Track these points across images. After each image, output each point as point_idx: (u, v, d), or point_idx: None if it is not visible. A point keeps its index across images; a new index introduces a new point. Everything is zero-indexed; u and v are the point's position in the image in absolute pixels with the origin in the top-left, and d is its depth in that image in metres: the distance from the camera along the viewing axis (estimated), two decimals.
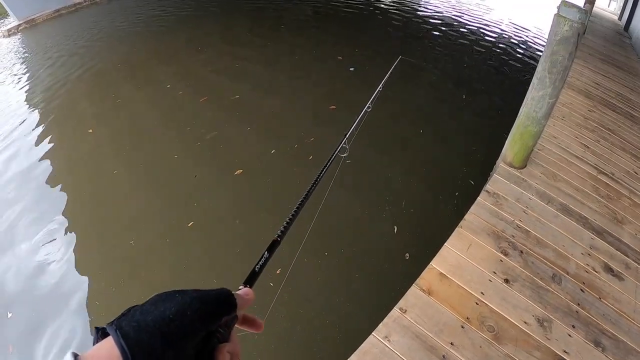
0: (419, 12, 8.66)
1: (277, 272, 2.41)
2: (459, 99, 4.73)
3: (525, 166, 2.42)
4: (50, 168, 3.83)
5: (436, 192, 3.18)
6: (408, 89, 4.93)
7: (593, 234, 2.27)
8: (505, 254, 1.94)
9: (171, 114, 4.57)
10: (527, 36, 7.58)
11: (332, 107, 4.33)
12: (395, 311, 1.62)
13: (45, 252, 2.83)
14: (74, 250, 2.83)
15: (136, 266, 2.66)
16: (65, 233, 3.00)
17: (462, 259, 1.84)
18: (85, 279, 2.60)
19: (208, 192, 3.26)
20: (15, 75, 6.82)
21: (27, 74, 6.71)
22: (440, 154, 3.66)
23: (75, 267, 2.69)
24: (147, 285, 2.52)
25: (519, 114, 2.39)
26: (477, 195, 2.20)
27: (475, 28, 7.66)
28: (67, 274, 2.64)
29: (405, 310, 1.61)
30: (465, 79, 5.28)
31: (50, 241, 2.93)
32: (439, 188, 3.22)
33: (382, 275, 2.50)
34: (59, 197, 3.39)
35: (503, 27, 8.04)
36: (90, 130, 4.41)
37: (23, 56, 7.90)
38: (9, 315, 2.40)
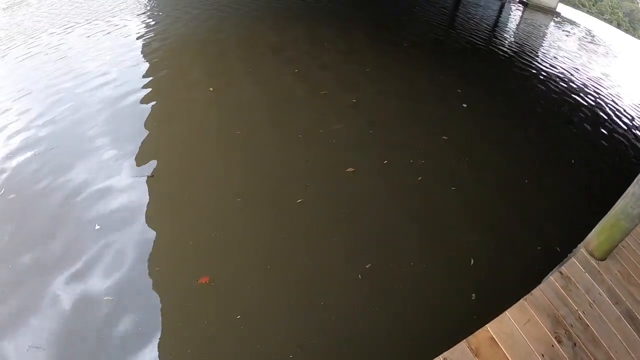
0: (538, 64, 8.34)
1: (368, 266, 2.65)
2: (569, 162, 4.70)
3: (605, 259, 2.32)
4: (160, 116, 4.05)
5: (518, 243, 3.19)
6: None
7: None
8: (559, 341, 1.89)
9: (291, 101, 4.76)
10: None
11: (444, 137, 4.49)
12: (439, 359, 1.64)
13: (135, 187, 3.07)
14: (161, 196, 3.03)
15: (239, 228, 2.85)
16: (162, 175, 3.20)
17: (517, 331, 1.82)
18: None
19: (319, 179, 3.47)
20: (145, 21, 7.22)
21: (158, 23, 7.08)
22: (541, 206, 3.71)
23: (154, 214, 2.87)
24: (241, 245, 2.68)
25: (615, 204, 2.28)
26: (555, 265, 2.16)
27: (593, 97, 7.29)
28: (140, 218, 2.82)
29: None
30: (571, 143, 5.17)
31: (145, 176, 3.17)
32: (524, 239, 3.24)
33: (444, 306, 2.54)
34: (166, 145, 3.63)
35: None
36: (211, 89, 4.65)
37: (153, 4, 8.37)
38: (97, 227, 2.67)
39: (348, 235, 2.90)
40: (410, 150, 4.08)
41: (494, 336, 1.76)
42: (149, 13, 7.68)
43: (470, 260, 2.84)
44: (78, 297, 2.21)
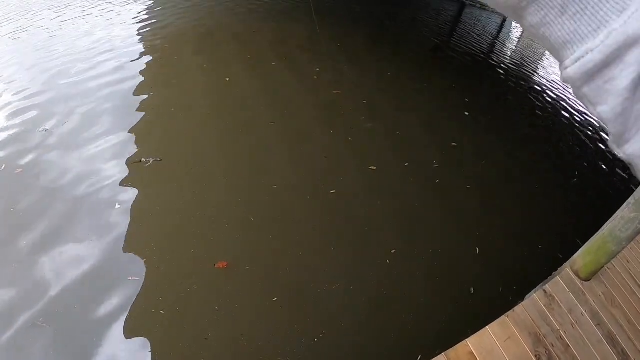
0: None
1: (392, 251, 2.84)
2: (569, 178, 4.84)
3: (590, 280, 2.31)
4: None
5: (531, 238, 3.41)
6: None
7: None
8: None
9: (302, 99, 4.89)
10: None
11: (454, 144, 4.64)
12: None
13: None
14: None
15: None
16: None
17: (496, 347, 1.79)
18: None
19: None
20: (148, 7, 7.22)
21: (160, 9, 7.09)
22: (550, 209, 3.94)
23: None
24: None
25: (603, 226, 2.28)
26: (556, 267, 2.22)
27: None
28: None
29: None
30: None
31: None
32: (538, 235, 3.46)
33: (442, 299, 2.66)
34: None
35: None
36: (228, 79, 4.79)
37: None
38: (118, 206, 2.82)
39: (374, 225, 3.07)
40: (426, 155, 4.29)
41: (474, 351, 1.73)
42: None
43: (476, 249, 3.07)
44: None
